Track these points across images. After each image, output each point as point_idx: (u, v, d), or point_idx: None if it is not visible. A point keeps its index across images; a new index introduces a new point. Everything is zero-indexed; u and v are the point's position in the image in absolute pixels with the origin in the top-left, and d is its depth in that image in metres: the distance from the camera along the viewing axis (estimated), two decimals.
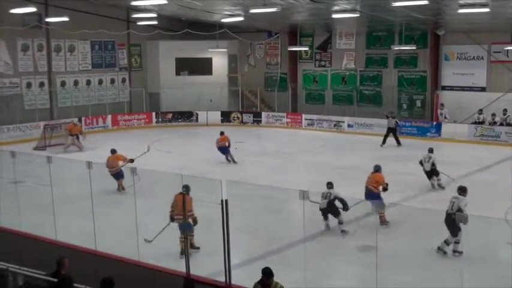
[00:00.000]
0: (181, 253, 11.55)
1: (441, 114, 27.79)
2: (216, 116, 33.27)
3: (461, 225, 11.78)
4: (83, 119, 30.24)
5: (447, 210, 11.94)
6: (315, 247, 12.12)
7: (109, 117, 31.74)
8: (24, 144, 25.84)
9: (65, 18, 25.60)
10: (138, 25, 31.57)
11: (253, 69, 35.95)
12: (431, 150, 18.50)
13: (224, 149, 22.73)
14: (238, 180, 16.42)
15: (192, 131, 31.04)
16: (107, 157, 18.56)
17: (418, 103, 30.54)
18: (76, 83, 32.08)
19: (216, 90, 33.75)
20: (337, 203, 13.48)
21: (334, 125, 30.61)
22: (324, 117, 31.22)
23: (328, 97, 33.54)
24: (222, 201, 9.03)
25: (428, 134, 27.45)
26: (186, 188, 11.67)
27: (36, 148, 25.35)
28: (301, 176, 19.31)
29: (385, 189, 14.37)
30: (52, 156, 12.17)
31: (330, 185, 13.87)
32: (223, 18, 27.29)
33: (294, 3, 22.91)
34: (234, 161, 22.45)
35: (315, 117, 31.52)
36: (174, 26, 32.98)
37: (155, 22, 29.84)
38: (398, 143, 25.78)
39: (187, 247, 10.43)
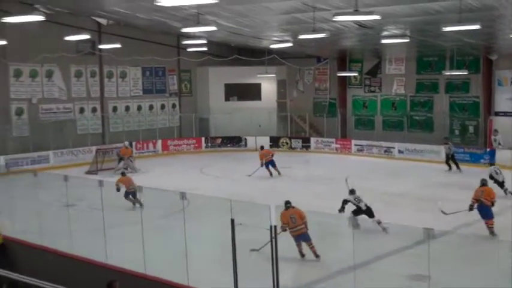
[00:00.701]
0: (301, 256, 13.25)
1: (495, 140, 27.10)
2: (265, 141, 33.20)
3: None
4: (133, 143, 30.69)
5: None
6: (366, 274, 11.90)
7: (159, 142, 32.15)
8: (77, 169, 26.40)
9: (117, 45, 26.19)
10: (188, 51, 32.02)
11: (302, 95, 35.96)
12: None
13: (272, 162, 24.62)
14: None
15: (241, 156, 31.11)
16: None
17: (471, 129, 29.92)
18: (127, 108, 32.67)
19: (264, 115, 33.85)
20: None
21: (384, 151, 30.23)
22: (373, 143, 30.89)
23: (378, 123, 33.25)
24: (270, 226, 8.98)
25: (481, 160, 26.74)
26: (289, 203, 13.62)
27: (88, 172, 25.81)
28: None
29: (493, 204, 15.42)
30: (104, 180, 12.35)
31: (353, 190, 14.62)
32: (272, 44, 27.44)
33: (343, 28, 22.87)
34: (279, 173, 24.36)
35: (364, 143, 31.22)
36: (224, 52, 33.34)
37: (205, 48, 30.20)
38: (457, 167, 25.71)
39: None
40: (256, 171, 24.51)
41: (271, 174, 24.61)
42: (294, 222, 13.12)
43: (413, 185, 22.52)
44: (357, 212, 15.20)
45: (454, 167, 25.65)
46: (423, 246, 9.45)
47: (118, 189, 18.66)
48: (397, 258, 13.37)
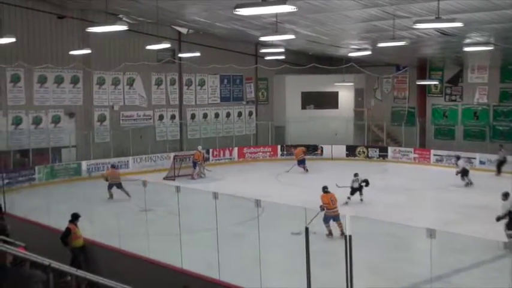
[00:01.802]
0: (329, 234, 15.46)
1: None
2: (341, 150, 33.03)
3: None
4: (210, 150, 31.11)
5: None
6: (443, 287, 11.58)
7: (235, 149, 32.43)
8: (155, 174, 26.97)
9: (197, 54, 26.65)
10: (266, 59, 32.19)
11: (379, 103, 35.49)
12: None
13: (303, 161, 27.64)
14: (362, 215, 16.12)
15: (317, 165, 30.94)
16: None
17: None
18: (205, 115, 33.15)
19: (341, 124, 33.59)
20: None
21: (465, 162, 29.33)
22: (454, 153, 30.01)
23: (458, 132, 32.37)
24: (345, 236, 8.86)
25: None
26: (327, 188, 17.07)
27: (166, 178, 26.31)
28: (427, 214, 18.65)
29: None
30: (181, 186, 12.53)
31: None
32: (350, 52, 27.20)
33: (424, 36, 22.42)
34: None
35: (444, 153, 30.39)
36: (301, 60, 33.33)
37: (282, 57, 30.27)
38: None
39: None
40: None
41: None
42: (333, 204, 16.04)
43: (495, 198, 21.67)
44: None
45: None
46: (504, 260, 9.09)
47: (106, 180, 21.41)
48: (476, 272, 12.93)
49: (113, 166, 24.01)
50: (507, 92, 30.37)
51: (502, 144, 28.40)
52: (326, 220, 15.76)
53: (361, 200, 20.72)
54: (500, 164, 27.14)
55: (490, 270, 12.43)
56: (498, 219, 14.47)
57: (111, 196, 21.62)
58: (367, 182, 20.77)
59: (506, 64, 29.99)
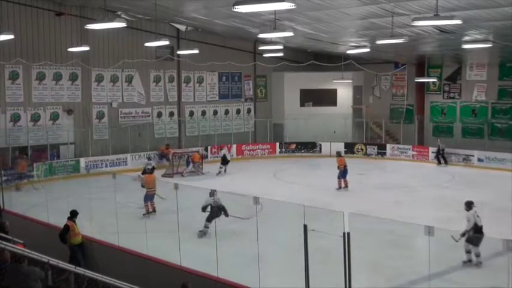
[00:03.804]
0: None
1: None
2: (340, 147, 32.95)
3: None
4: (208, 148, 31.13)
5: (480, 227, 12.77)
6: (441, 285, 11.59)
7: (234, 146, 32.42)
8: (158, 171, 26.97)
9: (195, 51, 26.64)
10: (264, 57, 32.19)
11: (378, 101, 35.50)
12: None
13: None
14: (361, 212, 16.11)
15: (315, 162, 30.97)
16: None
17: None
18: (203, 113, 33.14)
19: (340, 121, 33.60)
20: None
21: (463, 159, 29.40)
22: (452, 150, 30.07)
23: (457, 130, 32.40)
24: (344, 233, 8.87)
25: None
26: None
27: (164, 175, 26.30)
28: (425, 211, 18.67)
29: None
30: (179, 183, 12.53)
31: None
32: (349, 49, 27.20)
33: (422, 34, 22.43)
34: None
35: None
36: (300, 57, 33.34)
37: (281, 54, 30.29)
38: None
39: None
40: None
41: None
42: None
43: (493, 195, 21.76)
44: None
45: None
46: (502, 258, 9.09)
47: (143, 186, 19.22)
48: (474, 269, 12.96)
49: (144, 172, 23.31)
50: (505, 89, 30.40)
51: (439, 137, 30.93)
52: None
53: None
54: (439, 154, 29.49)
55: (489, 267, 12.45)
56: (463, 234, 13.05)
57: (152, 210, 18.53)
58: None
59: (504, 61, 30.01)
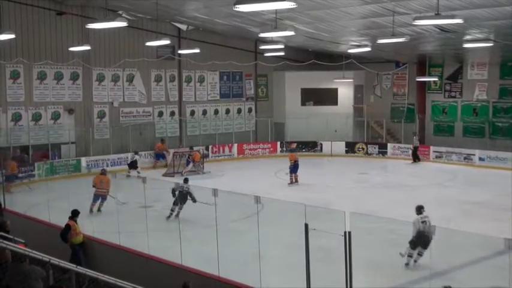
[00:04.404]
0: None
1: None
2: (341, 146, 33.04)
3: None
4: (210, 147, 31.13)
5: (423, 232, 12.62)
6: (441, 283, 11.58)
7: (235, 146, 32.43)
8: (154, 171, 27.00)
9: (196, 50, 26.64)
10: (266, 56, 32.19)
11: (379, 100, 35.49)
12: None
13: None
14: (362, 212, 16.11)
15: (316, 161, 30.97)
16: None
17: None
18: (204, 112, 33.14)
19: (341, 120, 33.59)
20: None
21: (464, 158, 29.39)
22: (453, 149, 30.08)
23: (458, 129, 32.41)
24: (345, 233, 8.88)
25: None
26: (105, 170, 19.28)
27: (165, 175, 26.34)
28: (426, 210, 18.63)
29: None
30: (180, 182, 12.54)
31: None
32: (350, 48, 27.20)
33: (423, 33, 22.42)
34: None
35: (443, 149, 30.45)
36: (301, 56, 33.34)
37: (282, 53, 30.30)
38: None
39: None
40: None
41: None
42: None
43: (494, 194, 21.78)
44: None
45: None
46: (503, 257, 9.09)
47: None
48: (475, 268, 12.97)
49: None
50: (506, 88, 30.39)
51: (416, 132, 31.40)
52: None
53: None
54: (415, 150, 30.25)
55: (490, 267, 12.45)
56: (411, 242, 12.99)
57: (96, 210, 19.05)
58: None
59: (505, 61, 30.00)
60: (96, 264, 11.95)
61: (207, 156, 29.57)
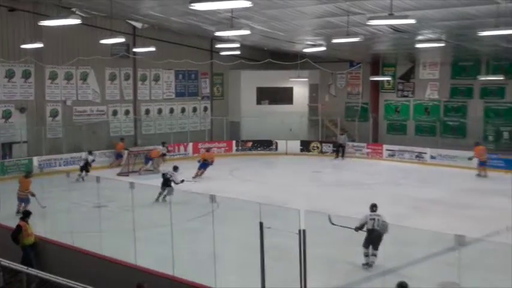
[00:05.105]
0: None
1: None
2: (296, 145, 33.25)
3: None
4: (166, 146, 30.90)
5: (371, 228, 12.69)
6: (394, 280, 11.78)
7: (190, 144, 32.28)
8: (109, 170, 26.68)
9: (151, 48, 26.41)
10: (221, 55, 32.15)
11: (334, 99, 35.83)
12: None
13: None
14: (317, 210, 16.25)
15: (272, 160, 31.10)
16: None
17: (506, 135, 29.48)
18: (160, 111, 32.90)
19: (296, 119, 33.79)
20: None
21: (416, 156, 29.92)
22: (405, 148, 30.59)
23: (410, 128, 32.98)
24: (299, 231, 8.93)
25: None
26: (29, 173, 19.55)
27: (120, 174, 26.07)
28: (380, 208, 18.90)
29: None
30: (135, 182, 12.43)
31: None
32: (305, 48, 27.37)
33: (377, 33, 22.71)
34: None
35: (396, 148, 30.94)
36: (256, 55, 33.39)
37: (238, 52, 30.31)
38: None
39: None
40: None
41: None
42: None
43: (445, 191, 22.28)
44: None
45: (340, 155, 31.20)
46: (454, 253, 9.29)
47: None
48: (427, 264, 13.22)
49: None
50: (457, 88, 31.06)
51: (345, 130, 32.99)
52: None
53: None
54: (340, 147, 31.51)
55: (441, 263, 12.69)
56: (356, 229, 13.12)
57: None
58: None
59: (456, 61, 30.66)
60: (48, 266, 11.76)
61: (164, 155, 29.30)
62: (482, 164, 25.82)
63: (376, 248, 12.86)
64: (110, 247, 12.36)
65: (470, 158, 26.39)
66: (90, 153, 26.00)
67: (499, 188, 22.74)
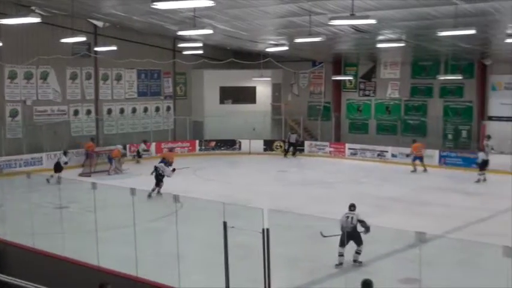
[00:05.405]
0: None
1: (487, 145, 27.17)
2: (259, 144, 33.33)
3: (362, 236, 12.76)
4: (127, 146, 30.65)
5: (345, 227, 12.73)
6: (357, 277, 11.92)
7: (153, 144, 32.08)
8: (70, 171, 26.32)
9: (113, 48, 26.17)
10: (184, 54, 32.03)
11: (296, 98, 36.02)
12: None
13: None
14: (280, 209, 16.34)
15: (235, 159, 31.13)
16: None
17: (464, 133, 30.09)
18: (122, 111, 32.61)
19: (259, 118, 33.85)
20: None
21: (378, 155, 30.29)
22: (367, 146, 30.94)
23: (372, 127, 33.36)
24: (263, 230, 8.98)
25: (473, 165, 26.69)
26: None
27: (81, 174, 25.77)
28: (342, 206, 19.08)
29: None
30: (97, 182, 12.33)
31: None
32: (268, 47, 27.46)
33: (339, 33, 22.91)
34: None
35: (358, 146, 31.27)
36: (219, 55, 33.37)
37: (201, 51, 30.25)
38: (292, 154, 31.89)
39: None
40: None
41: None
42: None
43: (406, 189, 22.62)
44: None
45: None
46: (415, 250, 9.46)
47: None
48: (389, 261, 13.41)
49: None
50: (417, 87, 31.55)
51: (296, 130, 33.76)
52: None
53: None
54: (292, 145, 32.00)
55: (403, 259, 12.87)
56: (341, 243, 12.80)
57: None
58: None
59: (417, 60, 31.13)
60: (8, 268, 11.57)
61: (125, 155, 29.07)
62: (419, 159, 26.89)
63: (359, 244, 13.00)
64: (72, 248, 12.25)
65: (408, 155, 27.68)
66: (65, 153, 25.46)
67: (457, 185, 23.25)
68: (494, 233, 14.91)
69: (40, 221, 15.14)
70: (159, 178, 21.26)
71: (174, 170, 21.70)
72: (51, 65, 28.83)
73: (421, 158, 26.91)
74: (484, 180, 23.85)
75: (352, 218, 13.13)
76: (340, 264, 12.93)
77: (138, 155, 30.35)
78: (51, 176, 22.68)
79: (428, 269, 11.05)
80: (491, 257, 11.56)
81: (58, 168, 24.11)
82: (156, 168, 21.60)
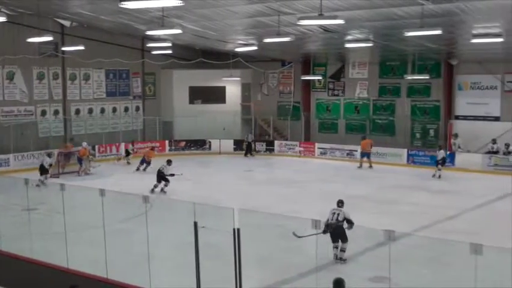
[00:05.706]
0: None
1: (454, 144, 27.62)
2: (229, 144, 33.33)
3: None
4: (96, 146, 30.36)
5: (329, 222, 12.91)
6: (327, 276, 12.00)
7: (122, 145, 31.82)
8: (38, 172, 25.98)
9: (81, 47, 25.93)
10: (153, 54, 31.88)
11: (266, 98, 36.08)
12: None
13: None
14: (250, 208, 16.37)
15: (205, 159, 31.07)
16: None
17: (431, 132, 30.48)
18: (90, 111, 32.32)
19: (229, 118, 33.85)
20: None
21: (347, 154, 30.52)
22: (336, 146, 31.15)
23: (341, 126, 33.59)
24: (234, 229, 9.00)
25: (434, 162, 27.07)
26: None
27: (50, 176, 25.42)
28: (312, 205, 19.21)
29: None
30: (65, 183, 12.21)
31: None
32: (237, 47, 27.48)
33: (307, 32, 23.03)
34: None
35: (327, 146, 31.46)
36: (188, 55, 33.28)
37: (169, 51, 30.12)
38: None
39: None
40: None
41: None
42: None
43: (375, 188, 22.84)
44: None
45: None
46: (384, 248, 9.56)
47: None
48: (358, 260, 13.53)
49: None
50: (385, 87, 31.86)
51: (251, 130, 34.06)
52: None
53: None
54: (249, 146, 32.40)
55: (373, 257, 13.01)
56: (324, 232, 12.63)
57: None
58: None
59: (384, 60, 31.43)
60: None
61: (94, 156, 28.80)
62: (366, 156, 28.04)
63: (344, 241, 13.13)
64: (41, 251, 12.10)
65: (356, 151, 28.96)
66: (49, 155, 24.96)
67: (424, 184, 23.57)
68: (462, 231, 15.18)
69: (7, 223, 14.93)
70: (160, 176, 21.96)
71: (172, 174, 22.13)
72: (18, 64, 28.45)
73: (368, 155, 27.87)
74: (439, 176, 24.58)
75: (338, 214, 13.27)
76: (336, 256, 13.18)
77: (127, 155, 30.07)
78: (41, 181, 22.33)
79: (398, 266, 11.19)
80: (459, 254, 11.76)
81: (43, 170, 23.73)
82: (159, 170, 22.34)
